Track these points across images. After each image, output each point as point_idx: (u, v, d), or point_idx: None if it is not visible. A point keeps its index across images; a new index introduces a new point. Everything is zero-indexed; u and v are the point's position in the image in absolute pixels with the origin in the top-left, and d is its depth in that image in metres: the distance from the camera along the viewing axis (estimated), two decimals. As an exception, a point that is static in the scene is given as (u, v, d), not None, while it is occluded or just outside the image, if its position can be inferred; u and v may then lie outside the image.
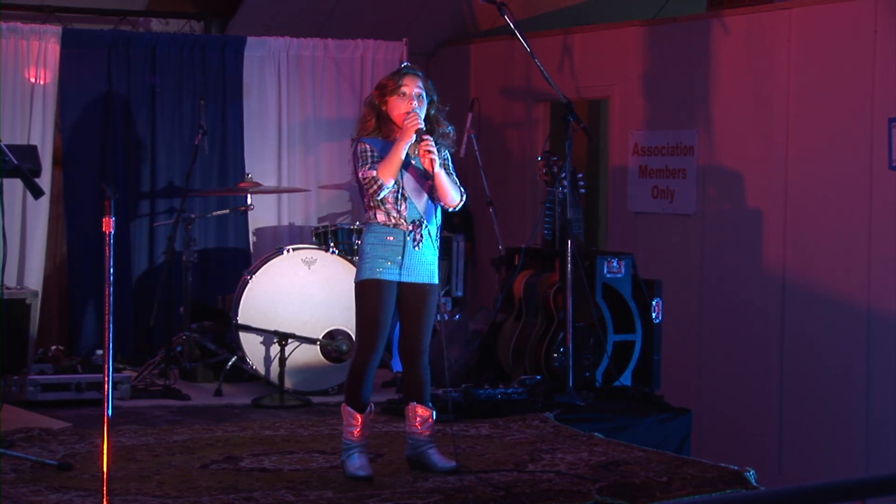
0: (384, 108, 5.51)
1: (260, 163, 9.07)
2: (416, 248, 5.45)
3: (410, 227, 5.45)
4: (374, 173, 5.38)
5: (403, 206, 5.44)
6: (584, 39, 9.51)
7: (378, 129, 5.51)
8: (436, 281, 5.54)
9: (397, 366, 7.44)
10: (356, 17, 9.95)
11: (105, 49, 8.66)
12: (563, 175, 7.18)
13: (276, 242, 8.85)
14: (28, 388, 7.01)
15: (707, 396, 8.51)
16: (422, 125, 5.42)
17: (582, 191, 7.31)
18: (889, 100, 7.62)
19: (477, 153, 9.05)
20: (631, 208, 9.16)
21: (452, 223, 10.05)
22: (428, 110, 5.54)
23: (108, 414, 4.66)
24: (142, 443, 6.16)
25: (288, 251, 7.62)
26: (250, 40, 9.10)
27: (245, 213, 8.81)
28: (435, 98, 5.59)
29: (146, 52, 8.78)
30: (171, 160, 8.85)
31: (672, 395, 7.48)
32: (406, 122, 5.42)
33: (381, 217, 5.45)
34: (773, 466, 8.08)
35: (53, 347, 7.89)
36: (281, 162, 9.20)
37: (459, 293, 9.18)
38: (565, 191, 7.18)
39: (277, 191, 9.00)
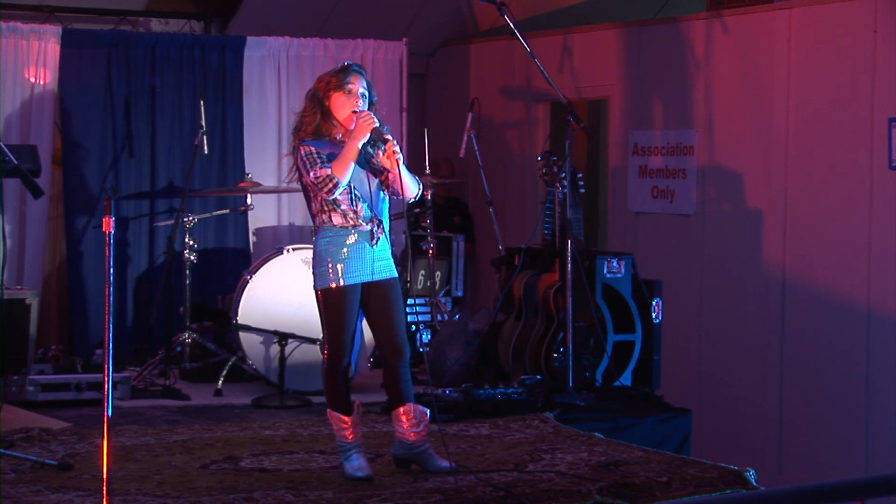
0: (327, 104, 5.46)
1: (260, 163, 9.07)
2: (374, 246, 5.45)
3: (367, 226, 5.44)
4: (329, 171, 5.33)
5: (359, 207, 5.42)
6: (584, 39, 9.52)
7: (319, 126, 5.47)
8: (396, 274, 5.55)
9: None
10: (356, 17, 9.95)
11: (105, 49, 8.66)
12: (563, 175, 7.18)
13: (276, 242, 8.85)
14: (28, 388, 7.01)
15: (707, 396, 8.51)
16: (377, 124, 5.39)
17: (582, 191, 7.31)
18: (889, 100, 7.62)
19: (477, 153, 9.05)
20: (631, 208, 9.17)
21: (452, 223, 10.05)
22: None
23: (108, 414, 4.66)
24: (142, 443, 6.16)
25: (288, 251, 7.62)
26: (250, 40, 9.09)
27: (245, 213, 8.80)
28: (374, 100, 5.57)
29: (146, 52, 8.78)
30: (171, 160, 8.84)
31: (672, 395, 7.48)
32: (360, 121, 5.38)
33: (336, 220, 5.41)
34: (773, 466, 8.08)
35: (53, 347, 7.89)
36: (281, 162, 9.19)
37: (459, 293, 9.18)
38: (565, 191, 7.18)
39: (277, 191, 9.00)
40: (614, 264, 7.44)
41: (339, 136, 5.47)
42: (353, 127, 5.43)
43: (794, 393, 8.12)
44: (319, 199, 5.41)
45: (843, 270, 7.87)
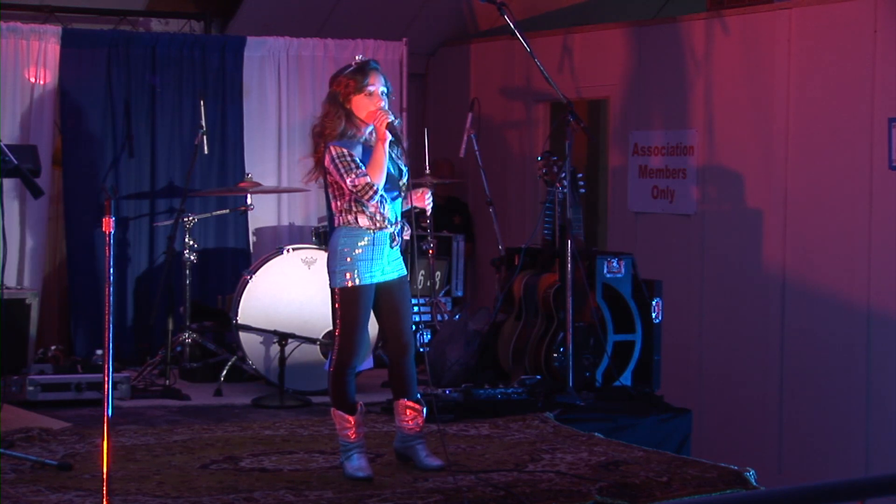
0: (349, 107, 5.49)
1: (260, 163, 9.07)
2: (393, 247, 5.50)
3: (391, 228, 5.48)
4: (368, 179, 5.37)
5: (387, 209, 5.47)
6: (584, 39, 9.52)
7: (344, 130, 5.48)
8: (406, 272, 5.62)
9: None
10: (356, 17, 9.95)
11: (105, 49, 8.66)
12: (563, 175, 7.18)
13: (276, 242, 8.85)
14: (28, 388, 7.01)
15: (707, 396, 8.51)
16: (390, 118, 5.43)
17: (582, 191, 7.31)
18: (889, 100, 7.62)
19: (477, 153, 9.05)
20: (631, 208, 9.16)
21: (452, 223, 10.05)
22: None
23: (108, 414, 4.66)
24: (142, 443, 6.16)
25: (288, 251, 7.62)
26: (250, 40, 9.09)
27: (245, 213, 8.81)
28: (390, 90, 5.62)
29: (146, 52, 8.78)
30: (171, 160, 8.84)
31: (672, 395, 7.48)
32: (377, 124, 5.43)
33: (363, 221, 5.44)
34: (773, 466, 8.08)
35: (53, 347, 7.88)
36: (281, 162, 9.19)
37: (459, 293, 9.18)
38: (565, 191, 7.18)
39: (277, 191, 9.00)
40: (614, 264, 7.44)
41: (367, 132, 5.50)
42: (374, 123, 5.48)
43: (794, 393, 8.12)
44: (348, 199, 5.43)
45: (844, 270, 7.87)
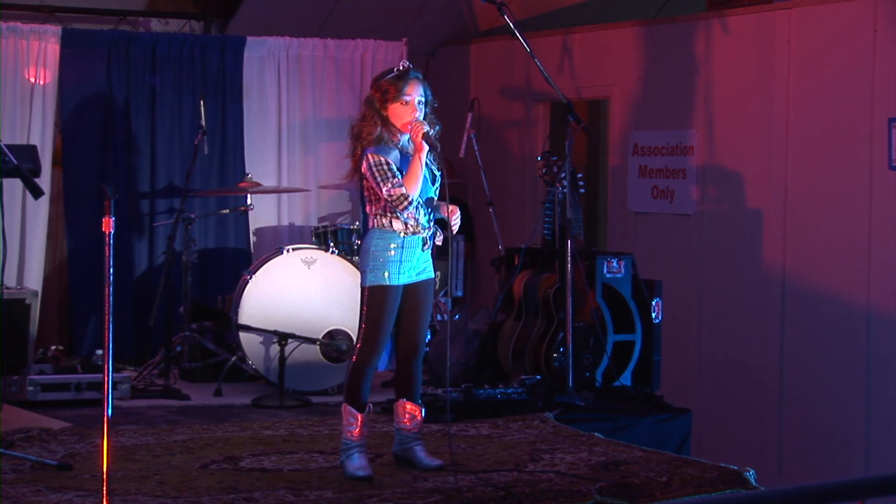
0: (385, 113, 5.52)
1: (260, 163, 9.07)
2: (424, 251, 5.56)
3: (424, 233, 5.52)
4: (404, 190, 5.41)
5: (420, 214, 5.51)
6: (584, 39, 9.51)
7: (380, 135, 5.52)
8: (433, 274, 5.66)
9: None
10: (356, 17, 9.95)
11: (105, 49, 8.66)
12: (563, 175, 7.18)
13: (276, 242, 8.85)
14: (28, 388, 7.01)
15: (707, 396, 8.51)
16: (425, 128, 5.46)
17: (582, 191, 7.31)
18: (889, 100, 7.62)
19: (477, 153, 9.05)
20: (631, 208, 9.16)
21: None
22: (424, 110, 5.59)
23: (108, 414, 4.66)
24: (142, 443, 6.16)
25: (288, 251, 7.62)
26: (250, 40, 9.09)
27: (245, 213, 8.81)
28: (430, 98, 5.62)
29: (146, 52, 8.78)
30: (170, 160, 8.84)
31: (672, 395, 7.48)
32: (413, 136, 5.47)
33: (397, 225, 5.48)
34: (773, 466, 8.08)
35: (53, 347, 7.88)
36: (281, 162, 9.19)
37: (459, 293, 9.18)
38: (565, 191, 7.18)
39: (277, 191, 9.00)
40: (614, 264, 7.44)
41: (404, 139, 5.53)
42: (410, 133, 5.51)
43: (794, 393, 8.12)
44: (383, 205, 5.48)
45: (843, 270, 7.87)
